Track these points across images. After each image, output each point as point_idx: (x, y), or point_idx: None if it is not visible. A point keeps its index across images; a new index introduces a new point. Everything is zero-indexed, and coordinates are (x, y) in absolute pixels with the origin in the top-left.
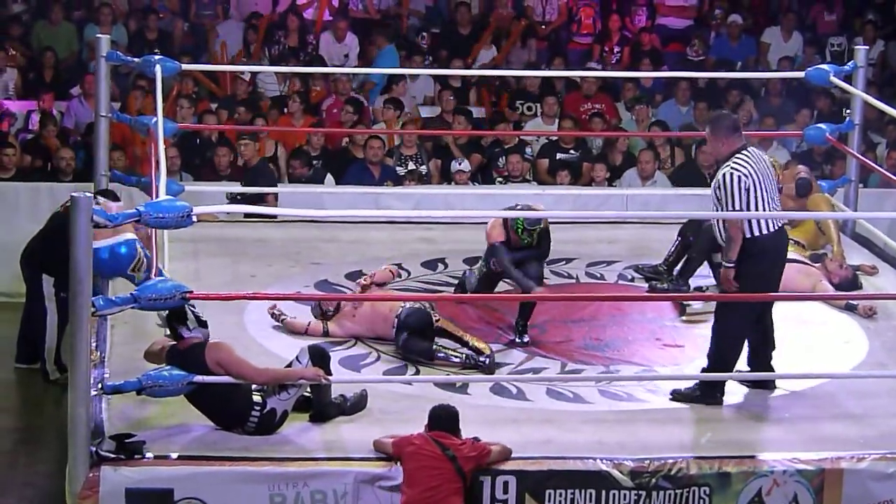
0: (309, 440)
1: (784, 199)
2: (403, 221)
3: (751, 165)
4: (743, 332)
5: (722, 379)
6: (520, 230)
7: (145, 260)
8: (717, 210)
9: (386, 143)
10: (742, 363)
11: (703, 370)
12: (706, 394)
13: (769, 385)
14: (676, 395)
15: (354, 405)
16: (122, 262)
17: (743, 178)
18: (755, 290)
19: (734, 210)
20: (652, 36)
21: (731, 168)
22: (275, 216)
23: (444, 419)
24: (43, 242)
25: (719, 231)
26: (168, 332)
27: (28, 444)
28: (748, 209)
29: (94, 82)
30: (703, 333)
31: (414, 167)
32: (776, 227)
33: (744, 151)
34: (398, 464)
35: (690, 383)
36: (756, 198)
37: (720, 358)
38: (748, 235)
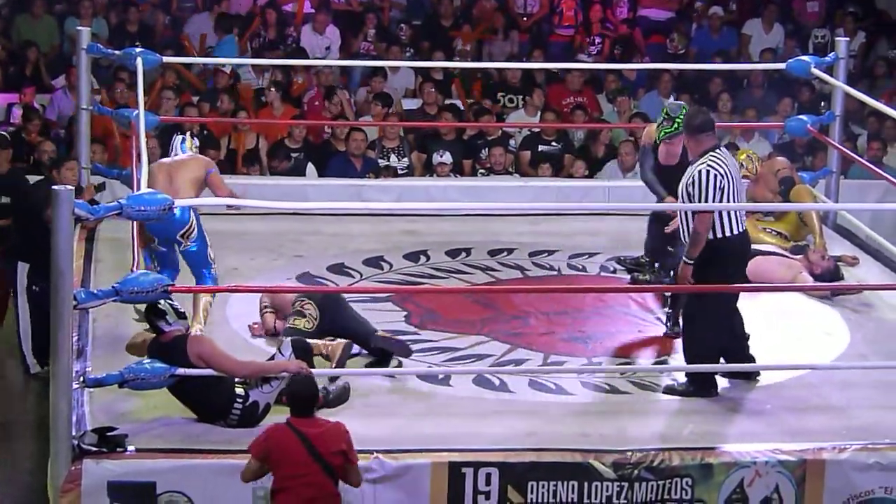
0: None
1: (763, 192)
2: (386, 214)
3: (725, 166)
4: (716, 328)
5: (705, 371)
6: (661, 119)
7: (197, 230)
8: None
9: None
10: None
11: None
12: (699, 389)
13: (751, 376)
14: (669, 390)
15: (337, 398)
16: (173, 225)
17: (719, 177)
18: (721, 293)
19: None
20: (634, 28)
21: (708, 166)
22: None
23: (302, 397)
24: (15, 224)
25: (685, 228)
26: (147, 326)
27: (10, 438)
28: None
29: (75, 76)
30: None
31: (396, 160)
32: (741, 230)
33: (717, 151)
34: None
35: (682, 378)
36: (728, 199)
37: (698, 356)
38: (719, 235)
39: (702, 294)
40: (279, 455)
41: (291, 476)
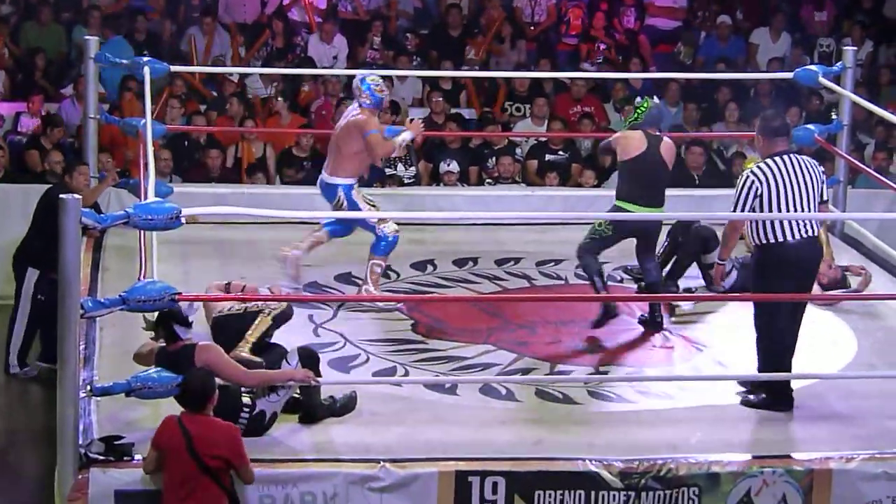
0: (298, 442)
1: None
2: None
3: (775, 172)
4: (777, 330)
5: (778, 382)
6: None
7: (347, 202)
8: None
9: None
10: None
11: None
12: (776, 401)
13: (783, 405)
14: (746, 403)
15: (344, 406)
16: (328, 197)
17: (756, 183)
18: (771, 304)
19: (738, 211)
20: (641, 36)
21: (752, 171)
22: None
23: (193, 392)
24: (32, 229)
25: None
26: (153, 335)
27: (17, 446)
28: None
29: (83, 84)
30: (692, 334)
31: (404, 169)
32: (803, 237)
33: (779, 157)
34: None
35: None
36: (771, 207)
37: (768, 359)
38: (771, 241)
39: (759, 302)
40: (165, 447)
41: (173, 470)
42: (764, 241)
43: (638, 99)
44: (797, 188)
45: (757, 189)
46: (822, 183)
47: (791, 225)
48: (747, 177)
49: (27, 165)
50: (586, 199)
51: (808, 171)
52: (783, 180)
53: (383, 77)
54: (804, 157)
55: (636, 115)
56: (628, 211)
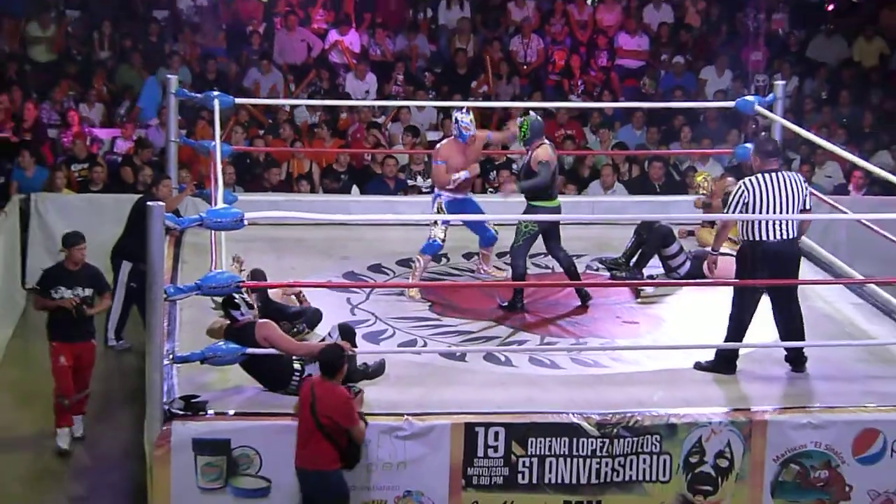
0: None
1: (717, 204)
2: (414, 224)
3: (762, 186)
4: (741, 313)
5: (728, 353)
6: None
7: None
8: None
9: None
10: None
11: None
12: (723, 365)
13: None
14: (698, 366)
15: (375, 371)
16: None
17: (745, 193)
18: (743, 288)
19: (729, 213)
20: (612, 73)
21: (744, 182)
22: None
23: (325, 362)
24: (126, 230)
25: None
26: (222, 314)
27: (114, 404)
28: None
29: (165, 114)
30: (654, 313)
31: (422, 180)
32: (780, 238)
33: (768, 174)
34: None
35: (710, 356)
36: (755, 212)
37: (729, 332)
38: (751, 239)
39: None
40: (300, 401)
41: (300, 422)
42: (748, 239)
43: (518, 119)
44: (780, 198)
45: (745, 198)
46: (806, 196)
47: (769, 227)
48: (739, 186)
49: (121, 179)
50: (569, 204)
51: (793, 185)
52: (768, 191)
53: (403, 107)
54: (792, 173)
55: (523, 132)
56: (545, 209)
